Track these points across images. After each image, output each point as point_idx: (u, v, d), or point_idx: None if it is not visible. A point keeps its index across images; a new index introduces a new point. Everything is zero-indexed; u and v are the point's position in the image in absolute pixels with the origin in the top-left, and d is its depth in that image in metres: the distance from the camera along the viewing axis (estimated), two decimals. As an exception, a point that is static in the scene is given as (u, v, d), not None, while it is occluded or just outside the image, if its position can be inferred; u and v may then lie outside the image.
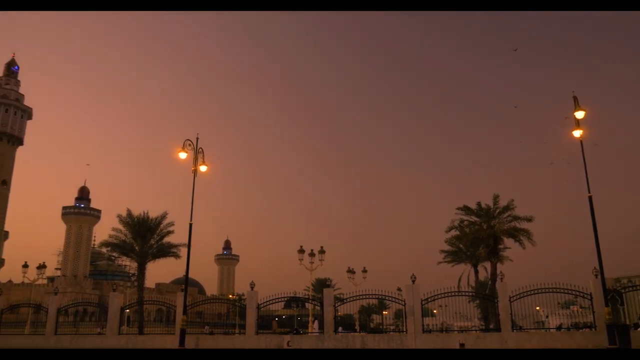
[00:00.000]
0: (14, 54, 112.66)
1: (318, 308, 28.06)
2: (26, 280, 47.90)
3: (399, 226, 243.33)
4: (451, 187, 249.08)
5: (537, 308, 26.10)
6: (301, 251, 34.55)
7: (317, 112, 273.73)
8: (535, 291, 22.25)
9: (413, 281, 23.37)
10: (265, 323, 28.03)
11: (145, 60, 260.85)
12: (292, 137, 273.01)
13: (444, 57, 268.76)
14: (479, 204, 33.43)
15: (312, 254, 34.79)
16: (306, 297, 33.44)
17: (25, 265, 45.09)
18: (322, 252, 35.28)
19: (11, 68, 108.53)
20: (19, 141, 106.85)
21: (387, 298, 25.02)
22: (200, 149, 24.33)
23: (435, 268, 40.41)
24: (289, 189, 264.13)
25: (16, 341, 29.29)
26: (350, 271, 44.10)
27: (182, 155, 23.71)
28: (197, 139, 24.36)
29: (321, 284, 57.24)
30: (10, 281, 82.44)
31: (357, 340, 23.49)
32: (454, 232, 34.85)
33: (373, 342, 23.07)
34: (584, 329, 28.49)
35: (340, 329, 31.02)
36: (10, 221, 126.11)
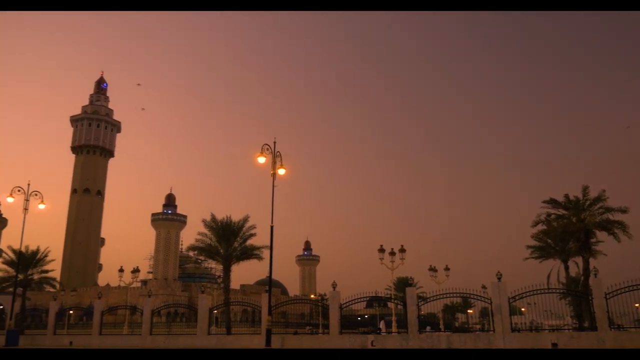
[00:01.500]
0: (102, 72, 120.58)
1: (400, 307, 27.81)
2: (122, 284, 50.93)
3: (482, 222, 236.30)
4: (535, 181, 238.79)
5: (637, 305, 24.44)
6: (381, 250, 34.31)
7: (395, 110, 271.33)
8: (635, 287, 20.85)
9: (499, 278, 22.62)
10: (347, 323, 28.04)
11: (223, 66, 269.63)
12: (370, 137, 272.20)
13: (524, 55, 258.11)
14: (566, 196, 31.84)
15: (392, 253, 34.48)
16: (388, 296, 33.23)
17: (121, 270, 47.98)
18: (402, 250, 34.89)
19: (100, 85, 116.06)
20: (110, 153, 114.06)
21: (471, 296, 24.38)
22: (278, 153, 24.78)
23: (522, 264, 39.04)
24: (368, 188, 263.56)
25: (116, 341, 31.17)
26: (432, 269, 43.39)
27: (261, 159, 24.26)
28: (275, 142, 24.84)
29: (403, 283, 56.77)
30: (108, 285, 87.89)
31: (442, 340, 23.04)
32: (540, 227, 33.43)
33: (459, 341, 22.53)
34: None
35: (428, 328, 30.63)
36: (106, 228, 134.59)
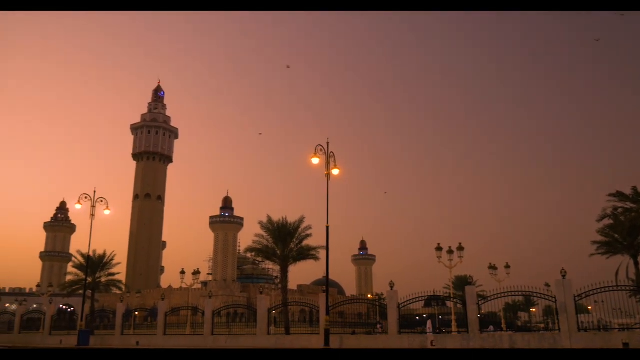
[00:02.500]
0: (159, 80, 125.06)
1: (460, 306, 27.31)
2: (183, 285, 52.39)
3: (543, 218, 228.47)
4: (600, 174, 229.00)
5: None
6: (439, 249, 33.76)
7: (452, 107, 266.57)
8: None
9: (563, 276, 21.84)
10: (405, 322, 27.75)
11: (277, 68, 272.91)
12: (425, 135, 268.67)
13: (573, 53, 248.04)
14: (634, 188, 30.40)
15: (450, 252, 33.88)
16: (447, 295, 32.70)
17: (182, 272, 49.35)
18: (460, 249, 34.20)
19: (158, 94, 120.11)
20: (169, 159, 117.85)
21: (534, 295, 23.70)
22: (332, 153, 24.87)
23: (587, 261, 37.40)
24: (424, 186, 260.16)
25: (180, 341, 32.14)
26: (492, 267, 42.32)
27: (315, 160, 24.44)
28: (328, 143, 24.94)
29: (461, 282, 55.61)
30: (170, 286, 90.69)
31: (505, 340, 22.46)
32: (606, 221, 32.08)
33: (522, 341, 21.91)
34: None
35: (490, 327, 29.98)
36: (167, 232, 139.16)
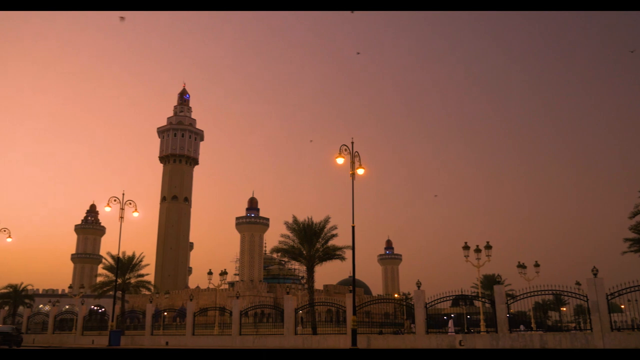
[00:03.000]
0: (184, 83, 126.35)
1: (488, 306, 27.01)
2: (211, 286, 52.93)
3: (572, 215, 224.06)
4: (629, 169, 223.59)
5: None
6: (466, 247, 33.44)
7: (478, 106, 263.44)
8: None
9: (595, 274, 21.40)
10: (432, 322, 27.53)
11: (300, 69, 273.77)
12: (450, 133, 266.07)
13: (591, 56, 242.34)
14: (668, 184, 29.58)
15: (477, 250, 33.53)
16: (474, 294, 32.37)
17: (210, 273, 49.87)
18: (488, 247, 33.84)
19: (183, 97, 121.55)
20: (195, 161, 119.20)
21: (565, 293, 23.29)
22: (357, 153, 24.83)
23: (619, 259, 36.53)
24: (450, 184, 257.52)
25: (208, 341, 32.49)
26: (521, 266, 41.78)
27: (340, 160, 24.41)
28: (352, 143, 24.88)
29: (489, 281, 55.08)
30: (197, 287, 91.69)
31: (535, 340, 22.13)
32: (639, 218, 31.30)
33: (554, 341, 21.55)
34: None
35: (521, 327, 29.58)
36: (194, 233, 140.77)
